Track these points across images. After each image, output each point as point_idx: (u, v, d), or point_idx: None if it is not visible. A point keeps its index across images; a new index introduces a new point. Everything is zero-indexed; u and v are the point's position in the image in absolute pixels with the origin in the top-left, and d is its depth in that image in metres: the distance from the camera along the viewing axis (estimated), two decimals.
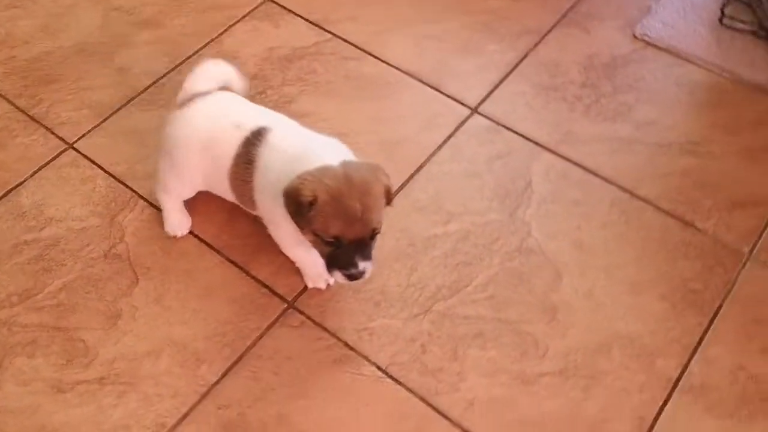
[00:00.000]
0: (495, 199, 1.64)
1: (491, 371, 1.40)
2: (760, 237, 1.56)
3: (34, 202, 1.64)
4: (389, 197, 1.27)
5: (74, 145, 1.75)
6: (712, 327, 1.44)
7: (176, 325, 1.47)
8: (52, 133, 1.76)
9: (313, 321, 1.47)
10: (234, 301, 1.49)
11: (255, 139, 1.34)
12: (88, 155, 1.72)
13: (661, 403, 1.36)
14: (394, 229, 1.57)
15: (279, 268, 1.52)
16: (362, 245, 1.24)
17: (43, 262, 1.55)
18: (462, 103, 1.82)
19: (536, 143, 1.73)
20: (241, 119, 1.38)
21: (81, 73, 1.88)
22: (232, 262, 1.54)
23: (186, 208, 1.58)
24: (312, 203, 1.21)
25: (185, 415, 1.36)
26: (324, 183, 1.21)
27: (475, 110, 1.80)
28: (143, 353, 1.43)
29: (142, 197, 1.65)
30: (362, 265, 1.24)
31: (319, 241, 1.25)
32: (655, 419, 1.34)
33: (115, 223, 1.61)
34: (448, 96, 1.83)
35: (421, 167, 1.70)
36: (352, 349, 1.44)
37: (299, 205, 1.22)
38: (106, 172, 1.70)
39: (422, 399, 1.38)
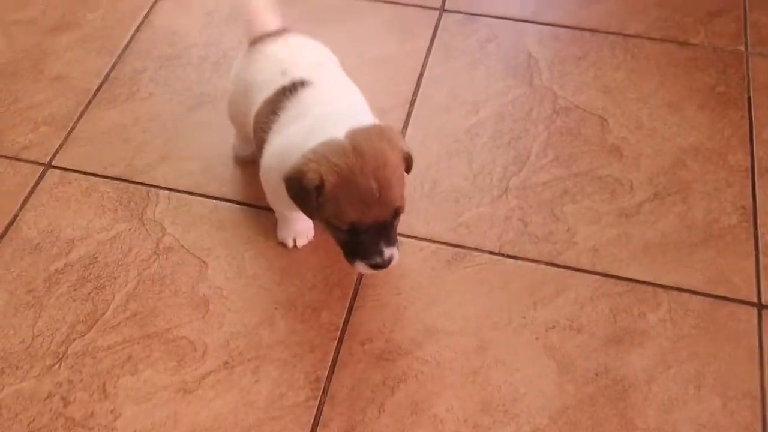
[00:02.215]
0: (508, 77, 1.65)
1: (596, 217, 1.42)
2: (746, 35, 1.69)
3: (42, 230, 1.44)
4: (408, 164, 1.07)
5: (52, 164, 1.55)
6: (753, 116, 1.55)
7: (272, 288, 1.35)
8: (19, 160, 1.55)
9: (406, 235, 1.41)
10: (316, 248, 1.40)
11: (289, 90, 1.18)
12: (74, 168, 1.54)
13: (751, 190, 1.44)
14: (429, 131, 1.53)
15: None
16: (384, 229, 1.05)
17: (89, 283, 1.37)
18: (427, 7, 1.81)
19: (514, 19, 1.77)
20: (291, 67, 1.21)
21: (15, 95, 1.67)
22: None
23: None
24: (319, 188, 1.02)
25: (334, 363, 1.26)
26: (330, 162, 1.01)
27: (442, 9, 1.80)
28: (255, 325, 1.31)
29: (159, 187, 1.50)
30: (387, 251, 1.06)
31: (335, 228, 1.08)
32: (754, 204, 1.42)
33: (147, 221, 1.45)
34: (411, 5, 1.82)
35: (422, 74, 1.68)
36: (457, 246, 1.40)
37: (304, 191, 1.03)
38: (104, 177, 1.52)
39: (549, 263, 1.37)
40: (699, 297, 1.31)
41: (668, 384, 1.22)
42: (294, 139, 1.10)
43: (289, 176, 1.05)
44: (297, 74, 1.19)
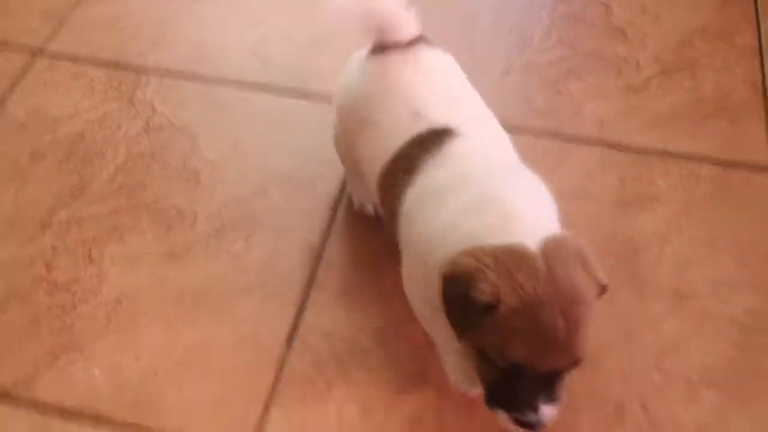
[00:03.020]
0: None
1: (602, 92, 1.37)
2: None
3: (29, 110, 1.39)
4: (602, 293, 0.79)
5: (43, 50, 1.50)
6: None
7: (268, 160, 1.30)
8: (8, 46, 1.51)
9: None
10: (315, 130, 1.35)
11: (431, 141, 0.87)
12: (64, 54, 1.49)
13: (760, 67, 1.39)
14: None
15: None
16: (550, 381, 0.78)
17: (76, 157, 1.32)
18: None
19: None
20: (426, 106, 0.90)
21: None
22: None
23: None
24: (490, 308, 0.74)
25: (329, 230, 1.21)
26: (516, 281, 0.73)
27: None
28: (248, 195, 1.25)
29: (151, 71, 1.45)
30: (546, 410, 0.78)
31: (489, 363, 0.79)
32: (764, 79, 1.37)
33: (137, 101, 1.40)
34: None
35: None
36: None
37: (468, 303, 0.75)
38: (95, 62, 1.47)
39: (554, 134, 1.32)
40: (711, 164, 1.26)
41: (681, 245, 1.16)
42: (455, 217, 0.81)
43: (451, 275, 0.76)
44: (435, 118, 0.89)
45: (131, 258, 1.18)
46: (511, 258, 0.74)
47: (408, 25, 0.95)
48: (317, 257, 1.17)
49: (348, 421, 1.00)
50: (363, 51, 0.99)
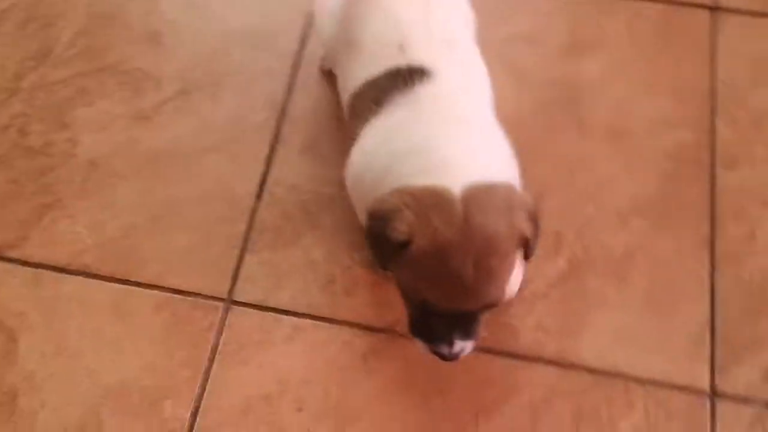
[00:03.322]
0: None
1: (108, 122, 1.38)
2: None
3: None
4: (529, 251, 0.80)
5: None
6: None
7: (228, 17, 1.33)
8: None
9: None
10: None
11: (404, 78, 0.86)
12: None
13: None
14: None
15: None
16: (466, 319, 0.80)
17: (35, 21, 1.33)
18: None
19: None
20: (413, 42, 0.88)
21: None
22: None
23: None
24: (403, 246, 0.76)
25: (291, 86, 1.26)
26: (431, 223, 0.74)
27: None
28: (209, 56, 1.29)
29: None
30: (459, 345, 0.81)
31: (405, 294, 0.83)
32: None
33: None
34: None
35: None
36: None
37: (383, 240, 0.76)
38: None
39: None
40: (654, 1, 1.30)
41: (620, 87, 1.23)
42: (396, 158, 0.82)
43: (374, 212, 0.78)
44: (418, 56, 0.87)
45: (102, 121, 1.23)
46: (431, 200, 0.75)
47: None
48: (281, 113, 1.23)
49: (315, 264, 1.10)
50: None
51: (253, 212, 1.15)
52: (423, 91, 0.85)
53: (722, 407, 1.01)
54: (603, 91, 1.23)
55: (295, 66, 1.27)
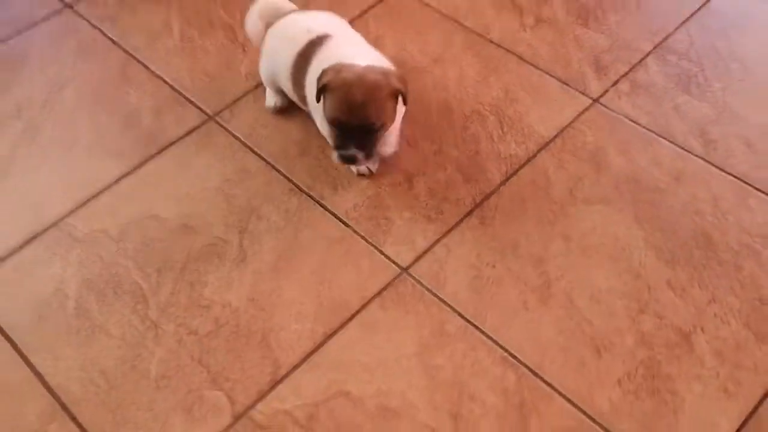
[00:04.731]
0: None
1: None
2: None
3: None
4: (403, 99, 1.34)
5: None
6: None
7: None
8: None
9: None
10: None
11: (317, 41, 1.40)
12: None
13: None
14: None
15: None
16: (360, 135, 1.30)
17: None
18: None
19: None
20: (313, 26, 1.43)
21: None
22: None
23: None
24: (324, 89, 1.31)
25: None
26: (340, 75, 1.30)
27: None
28: None
29: None
30: (353, 151, 1.31)
31: (327, 122, 1.34)
32: None
33: None
34: None
35: None
36: None
37: (318, 89, 1.32)
38: None
39: None
40: None
41: None
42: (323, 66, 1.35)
43: (318, 75, 1.34)
44: (319, 31, 1.42)
45: None
46: (344, 67, 1.31)
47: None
48: None
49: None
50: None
51: None
52: (330, 42, 1.40)
53: None
54: None
55: None
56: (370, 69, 1.31)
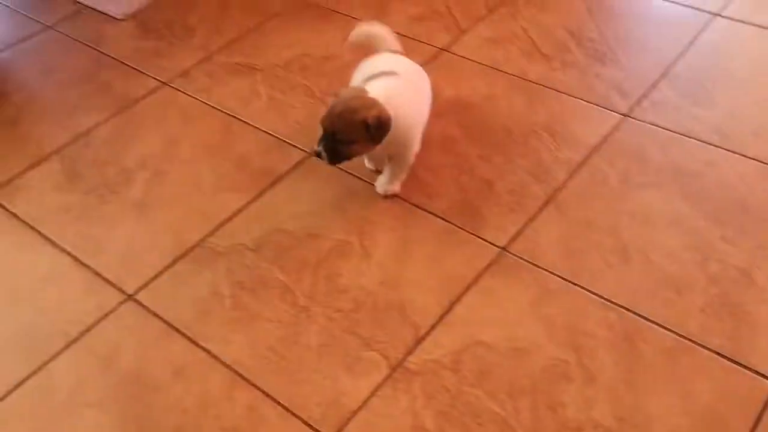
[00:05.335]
0: None
1: None
2: None
3: None
4: (371, 130, 1.56)
5: None
6: None
7: None
8: None
9: None
10: None
11: (377, 75, 1.69)
12: None
13: None
14: None
15: None
16: (331, 141, 1.59)
17: None
18: None
19: None
20: (383, 65, 1.73)
21: None
22: None
23: None
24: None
25: None
26: (339, 93, 1.62)
27: None
28: None
29: None
30: (319, 150, 1.60)
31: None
32: None
33: None
34: None
35: None
36: None
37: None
38: None
39: None
40: None
41: None
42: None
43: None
44: (383, 69, 1.71)
45: None
46: (349, 90, 1.63)
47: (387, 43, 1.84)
48: None
49: None
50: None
51: None
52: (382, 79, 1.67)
53: None
54: None
55: None
56: (361, 98, 1.58)
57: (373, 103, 1.57)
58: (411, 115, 1.66)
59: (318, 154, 1.60)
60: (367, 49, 1.83)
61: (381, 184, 1.74)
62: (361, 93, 1.59)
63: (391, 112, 1.58)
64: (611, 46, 2.14)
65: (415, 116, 1.69)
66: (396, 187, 1.73)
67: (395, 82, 1.66)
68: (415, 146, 1.69)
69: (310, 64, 2.14)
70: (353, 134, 1.57)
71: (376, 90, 1.60)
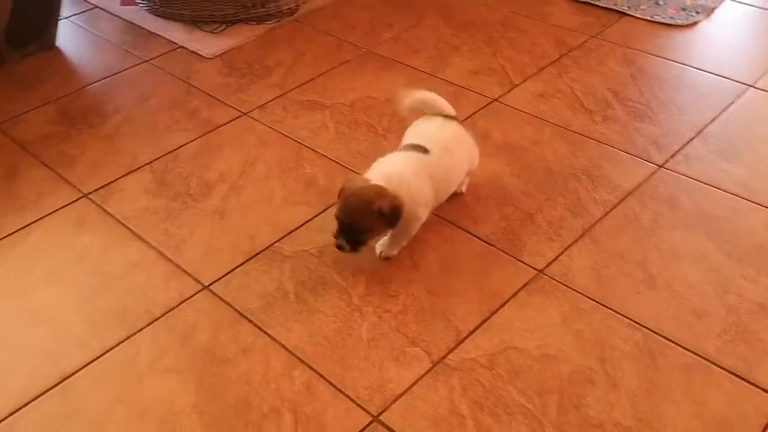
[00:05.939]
0: None
1: None
2: None
3: None
4: (385, 217, 1.68)
5: None
6: None
7: None
8: None
9: None
10: None
11: (412, 147, 1.84)
12: None
13: None
14: None
15: None
16: (348, 231, 1.70)
17: None
18: None
19: None
20: (424, 139, 1.84)
21: None
22: None
23: None
24: (340, 192, 1.74)
25: None
26: (350, 184, 1.73)
27: None
28: None
29: None
30: (339, 242, 1.71)
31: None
32: None
33: None
34: None
35: None
36: None
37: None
38: None
39: None
40: None
41: None
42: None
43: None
44: (419, 142, 1.83)
45: None
46: (360, 180, 1.73)
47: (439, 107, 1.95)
48: None
49: None
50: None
51: None
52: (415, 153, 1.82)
53: None
54: None
55: None
56: (370, 188, 1.67)
57: (384, 192, 1.67)
58: (413, 199, 1.73)
59: (340, 247, 1.71)
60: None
61: (381, 245, 1.82)
62: (366, 182, 1.70)
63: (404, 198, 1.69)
64: (651, 106, 2.34)
65: (420, 197, 1.76)
66: (394, 252, 1.81)
67: (400, 167, 1.76)
68: (421, 219, 1.79)
69: (373, 105, 2.38)
70: (370, 223, 1.68)
71: (378, 178, 1.71)
